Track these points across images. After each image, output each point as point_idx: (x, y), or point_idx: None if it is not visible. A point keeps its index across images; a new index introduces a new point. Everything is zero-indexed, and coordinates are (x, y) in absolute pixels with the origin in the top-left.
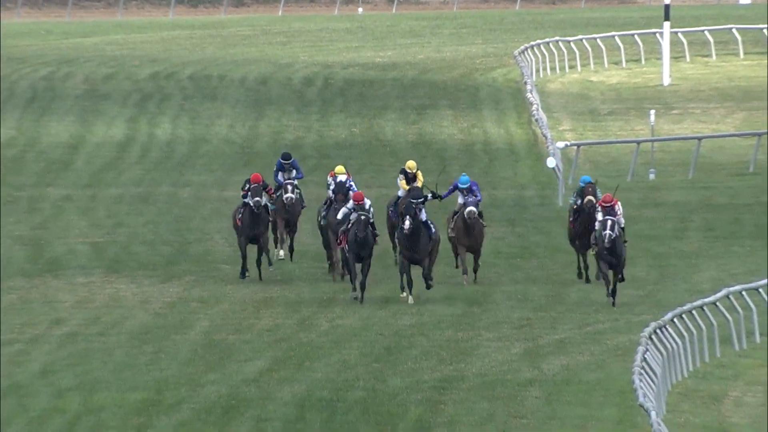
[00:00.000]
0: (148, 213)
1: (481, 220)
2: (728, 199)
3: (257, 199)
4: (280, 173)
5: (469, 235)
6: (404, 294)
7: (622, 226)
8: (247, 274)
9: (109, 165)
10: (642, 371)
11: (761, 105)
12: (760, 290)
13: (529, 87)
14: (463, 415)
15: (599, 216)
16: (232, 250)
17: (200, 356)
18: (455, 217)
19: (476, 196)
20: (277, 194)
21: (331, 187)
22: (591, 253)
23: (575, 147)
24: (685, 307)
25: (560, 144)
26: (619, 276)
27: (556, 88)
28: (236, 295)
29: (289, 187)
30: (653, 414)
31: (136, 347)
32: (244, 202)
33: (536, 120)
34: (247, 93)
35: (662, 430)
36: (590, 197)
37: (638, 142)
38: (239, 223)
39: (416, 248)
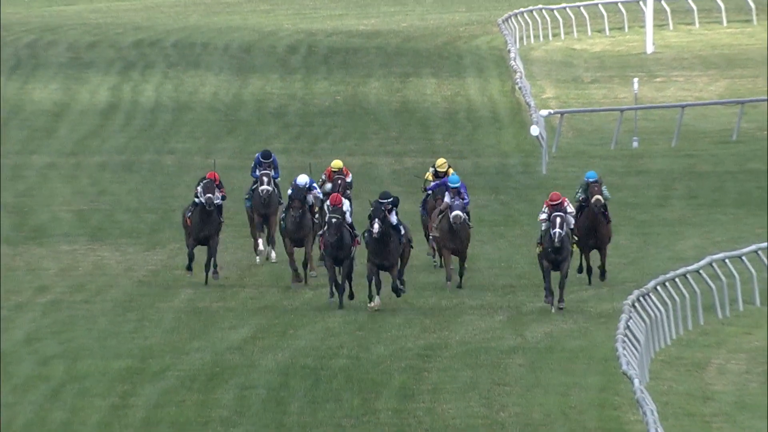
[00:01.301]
0: (131, 181)
1: (468, 223)
2: (711, 167)
3: (209, 195)
4: (257, 169)
5: (454, 239)
6: (372, 303)
7: (572, 226)
8: (190, 274)
9: (92, 133)
10: (625, 339)
11: (744, 73)
12: (744, 258)
13: (512, 55)
14: (446, 383)
15: (542, 215)
16: None
17: (184, 324)
18: (440, 217)
19: (464, 198)
20: (253, 188)
21: (289, 192)
22: (537, 251)
23: (559, 115)
24: (668, 275)
25: (544, 112)
26: (563, 277)
27: (539, 56)
28: (220, 263)
29: (265, 179)
30: (636, 381)
31: (120, 315)
32: (195, 201)
33: (520, 88)
34: (231, 60)
35: (645, 397)
36: (598, 197)
37: (621, 110)
38: (189, 223)
39: (385, 254)
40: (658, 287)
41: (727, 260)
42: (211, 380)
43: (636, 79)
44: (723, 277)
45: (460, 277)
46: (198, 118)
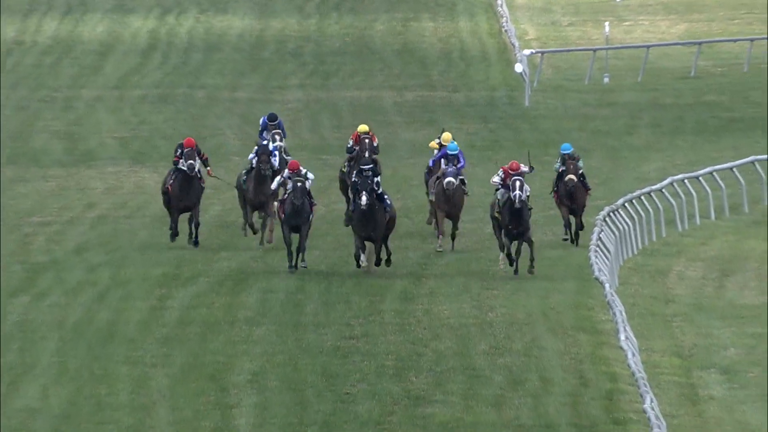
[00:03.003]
0: (167, 111)
1: (463, 187)
2: (673, 100)
3: (191, 162)
4: (264, 133)
5: (448, 203)
6: (363, 262)
7: (528, 193)
8: (177, 238)
9: (134, 69)
10: (597, 249)
11: (701, 17)
12: (700, 179)
13: (499, 2)
14: (442, 288)
15: (496, 178)
16: (241, 144)
17: (214, 235)
18: (437, 182)
19: (459, 162)
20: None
21: (252, 156)
22: (495, 214)
23: (539, 54)
24: (635, 193)
25: (526, 51)
26: (530, 256)
27: (522, 3)
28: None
29: (277, 137)
30: (607, 286)
31: (158, 228)
32: (176, 168)
33: (506, 31)
34: (254, 6)
35: (615, 299)
36: (572, 176)
37: (594, 50)
38: (169, 190)
39: (373, 225)
40: (626, 204)
41: (686, 181)
42: (237, 285)
43: (607, 23)
44: (682, 195)
45: (453, 239)
46: (225, 57)
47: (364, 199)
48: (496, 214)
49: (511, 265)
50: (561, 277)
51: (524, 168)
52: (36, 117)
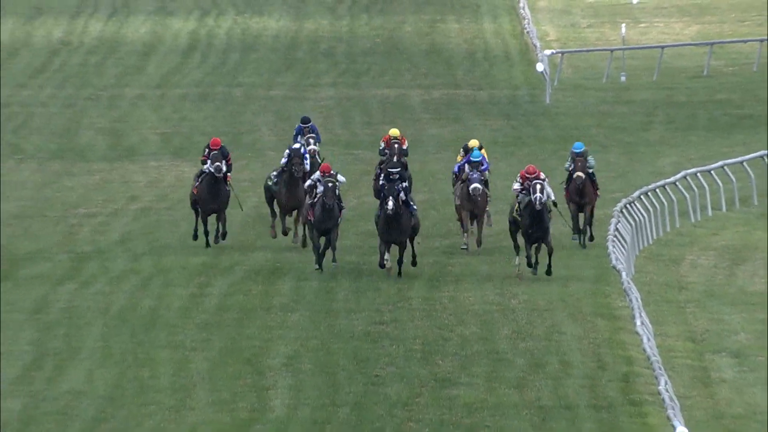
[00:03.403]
0: (206, 109)
1: (486, 190)
2: (686, 98)
3: (217, 164)
4: (299, 137)
5: (472, 204)
6: (387, 261)
7: (553, 198)
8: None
9: (175, 69)
10: (614, 239)
11: (713, 19)
12: (712, 172)
13: (521, 4)
14: (466, 275)
15: (516, 185)
16: (277, 139)
17: (251, 226)
18: (461, 185)
19: (483, 165)
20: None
21: (286, 153)
22: (515, 215)
23: (560, 54)
24: (650, 186)
25: (547, 52)
26: (549, 251)
27: (544, 5)
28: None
29: (311, 140)
30: (624, 274)
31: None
32: (203, 169)
33: (528, 32)
34: (289, 9)
35: (631, 287)
36: (580, 173)
37: (612, 50)
38: (195, 192)
39: (398, 229)
40: (642, 196)
41: (698, 174)
42: (272, 273)
43: (624, 25)
44: (695, 188)
45: (479, 244)
46: (261, 57)
47: (390, 204)
48: (516, 216)
49: (529, 266)
50: (580, 265)
51: (542, 175)
52: (82, 114)
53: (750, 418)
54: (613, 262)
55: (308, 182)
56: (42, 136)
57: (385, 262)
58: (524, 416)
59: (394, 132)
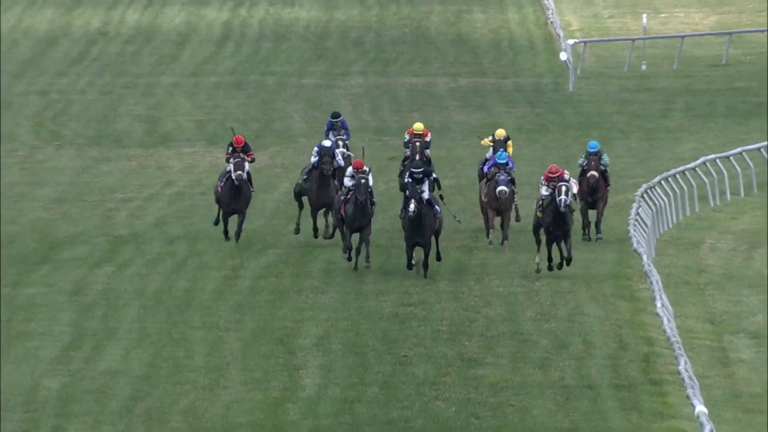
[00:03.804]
0: (240, 97)
1: (513, 189)
2: (705, 86)
3: (239, 173)
4: (330, 133)
5: (498, 203)
6: (414, 260)
7: (575, 192)
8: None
9: (209, 58)
10: (636, 223)
11: (731, 9)
12: (731, 158)
13: None
14: (491, 259)
15: (544, 190)
16: (308, 126)
17: (282, 211)
18: (488, 184)
19: (509, 165)
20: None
21: (316, 150)
22: (538, 213)
23: (582, 44)
24: (670, 172)
25: (571, 41)
26: (567, 256)
27: None
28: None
29: (340, 142)
30: (644, 257)
31: None
32: (227, 168)
33: (551, 22)
34: (319, 2)
35: (652, 270)
36: (593, 172)
37: (633, 40)
38: (220, 191)
39: (421, 231)
40: (662, 182)
41: (717, 160)
42: (303, 257)
43: (644, 15)
44: (714, 174)
45: (505, 239)
46: (293, 47)
47: (412, 206)
48: (539, 213)
49: (550, 268)
50: (602, 249)
51: (566, 174)
52: (119, 102)
53: (767, 397)
54: (635, 245)
55: (346, 178)
56: (80, 123)
57: (412, 263)
58: (548, 395)
59: (418, 126)
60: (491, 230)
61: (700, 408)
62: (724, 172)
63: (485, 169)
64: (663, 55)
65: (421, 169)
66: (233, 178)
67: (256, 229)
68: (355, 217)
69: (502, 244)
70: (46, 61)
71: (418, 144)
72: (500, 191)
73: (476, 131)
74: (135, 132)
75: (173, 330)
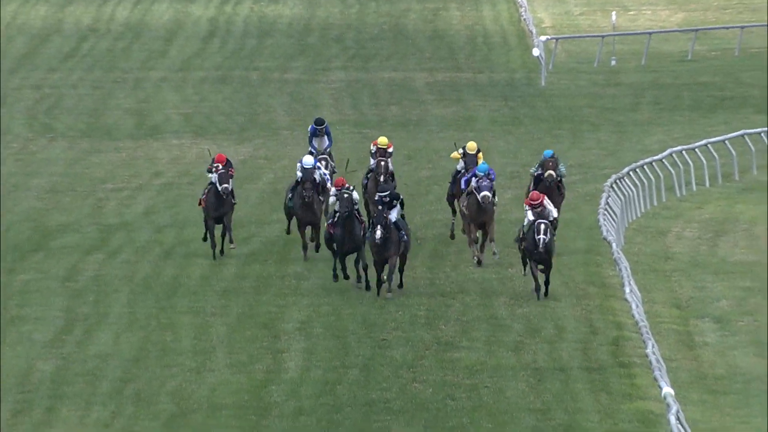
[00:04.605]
0: (225, 91)
1: (494, 199)
2: (672, 80)
3: (225, 186)
4: (314, 139)
5: (480, 215)
6: (385, 289)
7: (555, 216)
8: (216, 250)
9: (196, 53)
10: (605, 212)
11: (697, 7)
12: (696, 150)
13: None
14: (467, 247)
15: (529, 215)
16: (291, 120)
17: (266, 200)
18: (468, 197)
19: (491, 179)
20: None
21: (299, 166)
22: (522, 245)
23: (554, 40)
24: (638, 163)
25: (543, 38)
26: (545, 279)
27: None
28: (294, 153)
29: (323, 163)
30: (614, 245)
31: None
32: (211, 182)
33: (524, 19)
34: (302, 0)
35: (621, 257)
36: (551, 171)
37: (603, 36)
38: (203, 204)
39: (387, 249)
40: (631, 172)
41: (683, 152)
42: (286, 244)
43: (614, 12)
44: (680, 165)
45: (482, 249)
46: (276, 43)
47: (378, 233)
48: (522, 240)
49: (536, 290)
50: (573, 237)
51: (548, 206)
52: (109, 95)
53: (731, 378)
54: (604, 234)
55: (331, 199)
56: (72, 116)
57: (383, 278)
58: (521, 377)
59: (382, 140)
60: (476, 246)
61: (667, 389)
62: (690, 163)
63: (464, 182)
64: (631, 51)
65: (387, 193)
66: (219, 190)
67: (241, 217)
68: (344, 239)
69: (495, 254)
70: (39, 57)
71: (383, 163)
72: (483, 196)
73: (452, 124)
74: (125, 125)
75: (161, 315)
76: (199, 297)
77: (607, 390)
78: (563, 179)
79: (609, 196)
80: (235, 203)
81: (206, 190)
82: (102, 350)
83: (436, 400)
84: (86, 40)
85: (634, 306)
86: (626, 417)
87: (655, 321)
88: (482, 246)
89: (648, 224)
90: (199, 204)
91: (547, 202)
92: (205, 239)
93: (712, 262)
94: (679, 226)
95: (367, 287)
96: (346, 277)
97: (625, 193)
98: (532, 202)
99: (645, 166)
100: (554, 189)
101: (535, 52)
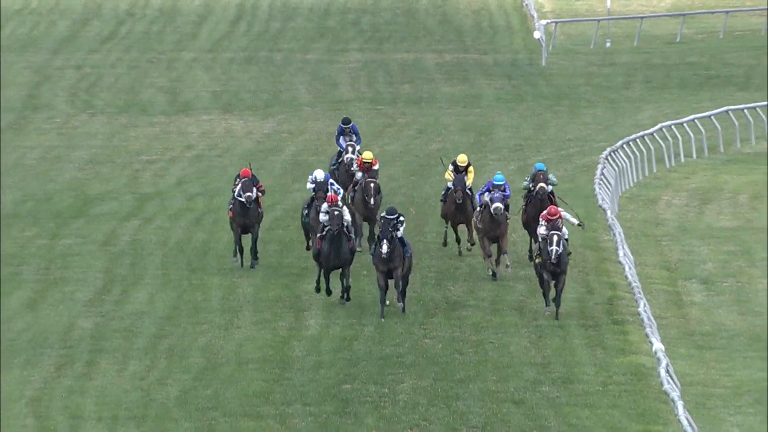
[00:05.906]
0: (251, 71)
1: (506, 213)
2: (662, 61)
3: (248, 194)
4: (341, 138)
5: (494, 229)
6: (388, 303)
7: (566, 237)
8: (234, 260)
9: (224, 36)
10: (601, 182)
11: None
12: (685, 124)
13: None
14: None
15: (542, 229)
16: (311, 97)
17: (288, 171)
18: (483, 209)
19: (505, 191)
20: (337, 162)
21: (311, 179)
22: (536, 261)
23: (554, 24)
24: (631, 137)
25: (543, 21)
26: (557, 299)
27: None
28: (315, 128)
29: (350, 149)
30: (609, 212)
31: (244, 165)
32: (235, 196)
33: (526, 4)
34: None
35: (615, 223)
36: (542, 184)
37: (598, 20)
38: (231, 215)
39: (392, 260)
40: (624, 145)
41: (673, 126)
42: None
43: None
44: (670, 138)
45: (498, 262)
46: (298, 26)
47: (385, 248)
48: (537, 256)
49: (547, 304)
50: (571, 204)
51: (564, 214)
52: (145, 75)
53: (716, 335)
54: (600, 202)
55: (321, 214)
56: (110, 94)
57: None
58: (523, 334)
59: (367, 155)
60: (490, 258)
61: (658, 345)
62: (679, 137)
63: (478, 196)
64: (625, 33)
65: (394, 216)
66: (243, 199)
67: (267, 185)
68: (330, 255)
69: (508, 267)
70: (80, 39)
71: (372, 186)
72: (495, 208)
73: (460, 100)
74: (159, 101)
75: (192, 276)
76: (227, 260)
77: (602, 345)
78: (554, 189)
79: (604, 167)
80: (261, 211)
81: (232, 203)
82: (138, 309)
83: (445, 354)
84: (124, 23)
85: (627, 268)
86: (620, 370)
87: (646, 282)
88: (497, 261)
89: (640, 193)
90: (229, 216)
91: (562, 227)
92: (235, 254)
93: (698, 228)
94: (668, 194)
95: (348, 299)
96: (329, 293)
97: (619, 164)
98: (550, 218)
99: (637, 140)
100: (546, 201)
101: (536, 34)
